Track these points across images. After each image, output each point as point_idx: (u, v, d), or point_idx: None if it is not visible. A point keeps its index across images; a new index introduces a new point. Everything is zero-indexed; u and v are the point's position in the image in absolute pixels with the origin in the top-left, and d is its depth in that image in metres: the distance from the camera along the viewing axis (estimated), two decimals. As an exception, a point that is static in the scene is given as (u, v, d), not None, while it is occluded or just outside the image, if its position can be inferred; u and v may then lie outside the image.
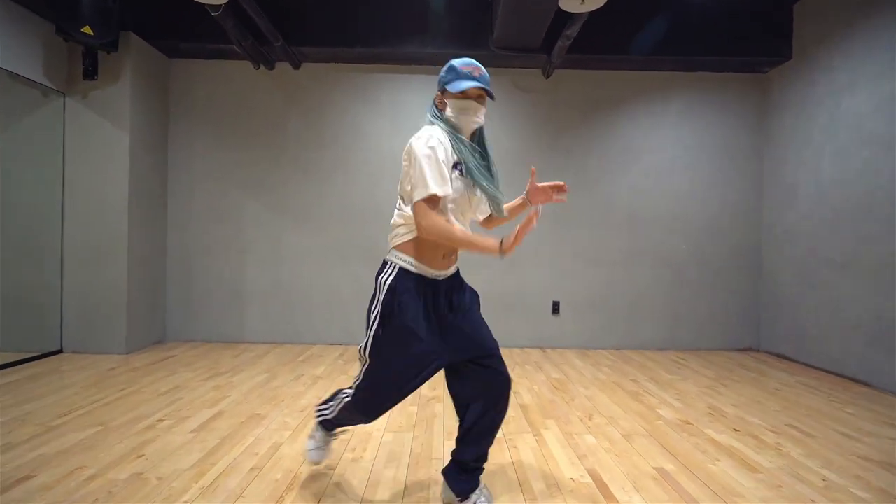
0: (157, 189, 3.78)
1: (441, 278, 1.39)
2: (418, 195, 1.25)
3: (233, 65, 3.86)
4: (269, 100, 3.89)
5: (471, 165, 1.33)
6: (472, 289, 1.52)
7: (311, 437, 1.64)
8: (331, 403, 1.57)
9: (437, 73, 3.88)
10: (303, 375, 2.93)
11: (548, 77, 3.88)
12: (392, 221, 1.40)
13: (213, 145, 3.88)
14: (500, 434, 2.04)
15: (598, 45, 3.59)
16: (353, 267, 3.88)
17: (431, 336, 1.33)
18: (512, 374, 2.96)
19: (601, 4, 2.75)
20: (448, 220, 1.32)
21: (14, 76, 3.04)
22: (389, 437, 2.01)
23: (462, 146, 1.33)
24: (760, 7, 3.60)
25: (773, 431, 2.14)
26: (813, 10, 3.43)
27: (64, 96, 3.38)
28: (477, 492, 1.45)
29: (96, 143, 3.40)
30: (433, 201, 1.25)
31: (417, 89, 3.89)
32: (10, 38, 2.95)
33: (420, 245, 1.34)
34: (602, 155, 3.93)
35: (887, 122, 2.83)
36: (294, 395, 2.55)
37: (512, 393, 2.62)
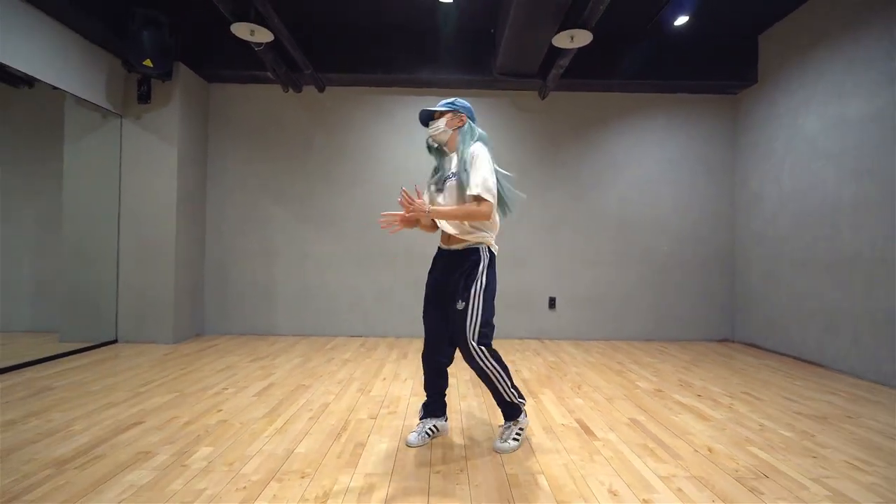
0: (198, 199, 4.26)
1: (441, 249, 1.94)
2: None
3: (264, 88, 4.36)
4: (296, 119, 4.38)
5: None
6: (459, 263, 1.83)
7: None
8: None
9: (447, 95, 4.41)
10: (333, 359, 3.38)
11: (543, 98, 4.38)
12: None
13: (246, 159, 4.37)
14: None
15: (588, 71, 4.10)
16: (372, 270, 4.35)
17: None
18: (513, 358, 3.43)
19: (588, 42, 3.25)
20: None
21: (80, 100, 3.53)
22: (415, 399, 2.46)
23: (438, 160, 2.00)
24: (731, 36, 4.11)
25: (728, 396, 2.60)
26: (775, 39, 3.94)
27: (121, 118, 3.87)
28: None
29: (148, 158, 3.89)
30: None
31: (428, 109, 4.39)
32: (80, 69, 3.45)
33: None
34: (593, 167, 4.42)
35: (833, 139, 3.32)
36: (330, 372, 3.00)
37: (515, 370, 3.09)
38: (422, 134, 4.35)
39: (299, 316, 4.34)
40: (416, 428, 1.95)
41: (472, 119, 1.93)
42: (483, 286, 1.79)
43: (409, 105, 4.39)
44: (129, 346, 3.69)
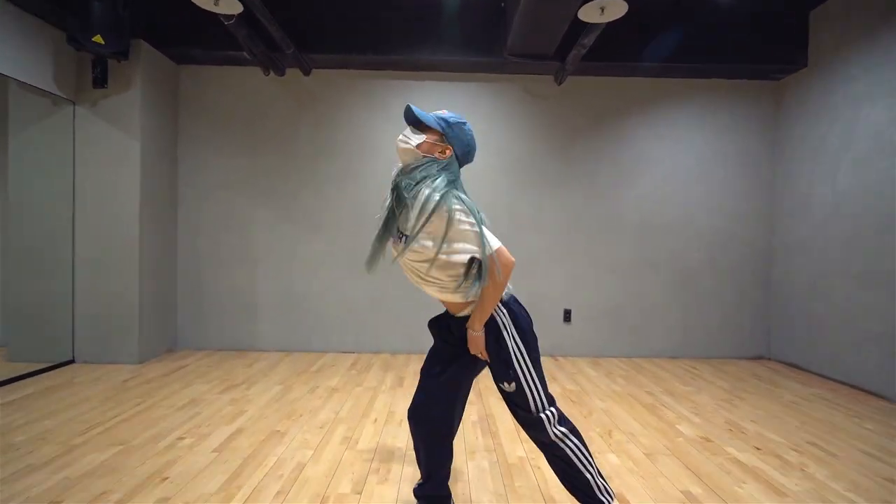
0: (168, 197, 3.76)
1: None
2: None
3: (242, 71, 3.83)
4: (279, 106, 3.86)
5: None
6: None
7: None
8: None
9: (450, 79, 3.89)
10: (318, 387, 2.92)
11: (560, 84, 3.85)
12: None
13: (224, 153, 3.86)
14: (522, 453, 2.04)
15: (613, 52, 3.56)
16: (365, 275, 3.86)
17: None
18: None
19: (621, 14, 2.72)
20: None
21: (24, 85, 3.01)
22: (413, 455, 2.00)
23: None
24: (775, 13, 3.57)
25: (795, 450, 2.14)
26: (831, 17, 3.40)
27: (74, 105, 3.35)
28: None
29: (107, 151, 3.38)
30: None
31: (429, 96, 3.86)
32: (21, 47, 2.92)
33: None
34: (613, 163, 3.91)
35: (907, 133, 2.81)
36: (312, 409, 2.54)
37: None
38: (421, 124, 3.82)
39: (284, 329, 3.87)
40: None
41: (463, 156, 1.40)
42: (520, 347, 1.37)
43: (406, 91, 3.86)
44: (87, 369, 3.23)
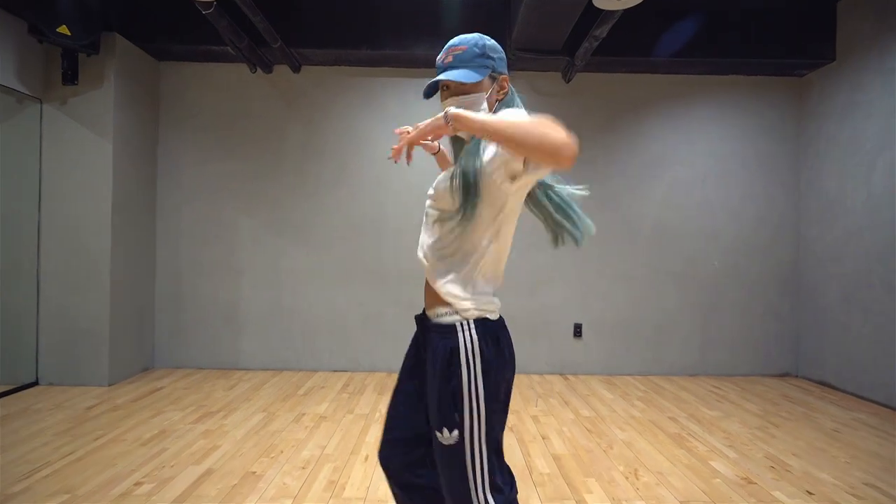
0: (145, 204, 3.47)
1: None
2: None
3: (227, 68, 3.56)
4: (266, 106, 3.59)
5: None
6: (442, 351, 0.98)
7: None
8: None
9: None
10: (304, 415, 2.62)
11: (569, 81, 3.59)
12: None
13: (206, 156, 3.58)
14: (537, 502, 1.75)
15: (626, 46, 3.30)
16: (359, 288, 3.58)
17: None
18: (536, 411, 2.67)
19: (639, 1, 2.45)
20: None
21: (-16, 81, 2.74)
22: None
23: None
24: (799, 5, 3.32)
25: (852, 494, 1.84)
26: (861, 8, 3.14)
27: (41, 103, 3.08)
28: None
29: (76, 153, 3.10)
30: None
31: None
32: (-21, 39, 2.66)
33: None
34: (627, 165, 3.64)
35: (956, 131, 2.54)
36: (295, 443, 2.24)
37: (541, 436, 2.34)
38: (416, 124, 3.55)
39: (270, 346, 3.57)
40: None
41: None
42: (478, 385, 0.94)
43: (402, 89, 3.59)
44: (51, 392, 2.93)
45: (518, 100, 1.06)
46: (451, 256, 1.00)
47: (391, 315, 3.57)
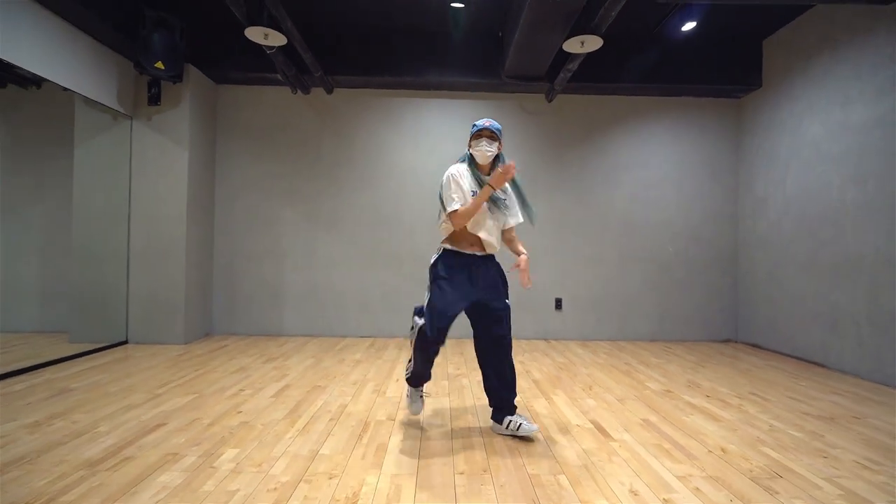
0: (207, 199, 4.28)
1: (470, 255, 2.04)
2: (449, 210, 1.97)
3: (272, 90, 4.38)
4: (304, 121, 4.41)
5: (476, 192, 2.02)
6: (501, 273, 2.13)
7: (407, 396, 2.21)
8: (409, 362, 2.13)
9: (455, 97, 4.46)
10: (345, 359, 3.42)
11: (550, 101, 4.42)
12: (438, 225, 2.12)
13: (255, 161, 4.39)
14: (518, 398, 2.55)
15: (595, 75, 4.14)
16: (380, 271, 4.38)
17: (455, 288, 2.00)
18: (522, 359, 3.48)
19: (597, 47, 3.29)
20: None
21: (90, 101, 3.54)
22: (431, 401, 2.50)
23: (474, 177, 2.03)
24: (735, 41, 4.16)
25: (737, 397, 2.65)
26: (780, 45, 3.99)
27: (131, 119, 3.89)
28: (510, 417, 2.05)
29: (158, 160, 3.91)
30: (454, 214, 1.96)
31: (437, 112, 4.42)
32: (90, 69, 3.45)
33: (454, 235, 2.06)
34: (599, 169, 4.47)
35: (837, 143, 3.37)
36: (343, 373, 3.04)
37: (525, 371, 3.14)
38: (430, 138, 4.38)
39: (308, 316, 4.37)
40: (416, 398, 2.17)
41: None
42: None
43: (417, 108, 4.42)
44: (141, 348, 3.71)
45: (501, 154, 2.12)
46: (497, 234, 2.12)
47: (406, 291, 4.37)
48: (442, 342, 1.96)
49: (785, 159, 3.88)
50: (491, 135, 2.00)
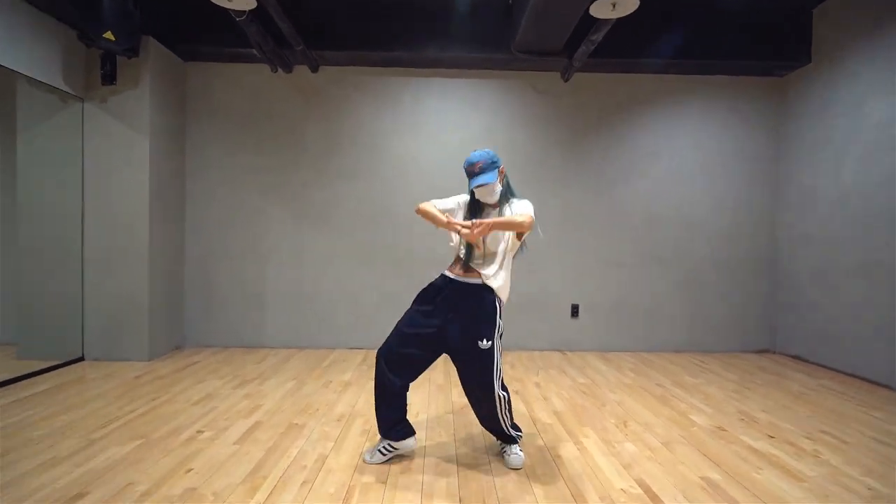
0: (175, 194, 3.76)
1: (453, 279, 1.84)
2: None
3: (249, 68, 3.83)
4: (286, 103, 3.87)
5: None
6: (490, 308, 1.79)
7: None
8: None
9: (457, 76, 3.91)
10: (332, 381, 2.93)
11: (567, 80, 3.88)
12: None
13: (231, 149, 3.86)
14: (541, 442, 2.07)
15: (619, 48, 3.60)
16: (375, 271, 3.88)
17: (423, 313, 1.84)
18: (537, 380, 2.99)
19: (633, 10, 2.75)
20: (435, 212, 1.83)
21: (33, 82, 3.00)
22: (431, 446, 2.02)
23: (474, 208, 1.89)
24: (779, 11, 3.61)
25: (807, 438, 2.17)
26: (834, 15, 3.44)
27: (83, 101, 3.35)
28: (500, 442, 1.93)
29: (115, 147, 3.37)
30: (421, 205, 1.84)
31: (437, 93, 3.88)
32: (31, 43, 2.91)
33: (454, 259, 1.91)
34: (619, 158, 3.94)
35: (911, 128, 2.85)
36: (327, 402, 2.55)
37: (543, 397, 2.66)
38: (429, 122, 3.84)
39: (293, 325, 3.88)
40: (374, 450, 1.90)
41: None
42: (500, 331, 1.81)
43: (415, 88, 3.88)
44: (97, 366, 3.22)
45: (511, 184, 1.96)
46: None
47: (406, 296, 3.86)
48: (393, 371, 1.79)
49: (840, 146, 3.36)
50: (482, 166, 1.76)
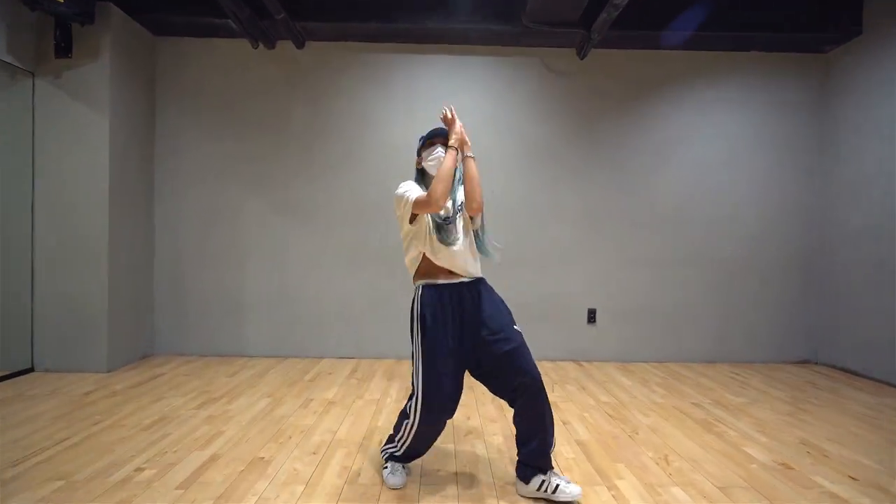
0: (143, 184, 3.34)
1: (454, 284, 1.60)
2: (412, 200, 1.60)
3: (228, 44, 3.42)
4: (269, 84, 3.45)
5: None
6: (492, 293, 1.65)
7: (384, 467, 1.69)
8: (397, 436, 1.65)
9: (462, 52, 3.48)
10: (312, 400, 2.51)
11: (583, 58, 3.45)
12: (406, 262, 1.71)
13: (207, 136, 3.44)
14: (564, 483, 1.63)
15: (644, 19, 3.18)
16: (366, 272, 3.45)
17: (451, 338, 1.57)
18: (553, 398, 2.55)
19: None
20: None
21: (-27, 53, 2.60)
22: (427, 489, 1.59)
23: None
24: (825, -22, 3.19)
25: (893, 476, 1.73)
26: (889, -20, 3.02)
27: (33, 76, 2.94)
28: (542, 477, 1.53)
29: (72, 129, 2.96)
30: (421, 200, 1.57)
31: (438, 72, 3.46)
32: (-34, 5, 2.51)
33: (424, 268, 1.64)
34: (641, 147, 3.52)
35: None
36: (303, 429, 2.13)
37: (561, 422, 2.23)
38: (427, 105, 3.42)
39: (274, 333, 3.45)
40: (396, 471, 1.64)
41: None
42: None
43: (411, 66, 3.46)
44: (46, 379, 2.80)
45: None
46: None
47: (400, 299, 3.44)
48: (449, 415, 1.59)
49: (894, 129, 2.92)
50: (445, 141, 1.60)
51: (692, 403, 2.56)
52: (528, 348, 1.55)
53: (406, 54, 3.45)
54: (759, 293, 3.51)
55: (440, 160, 1.58)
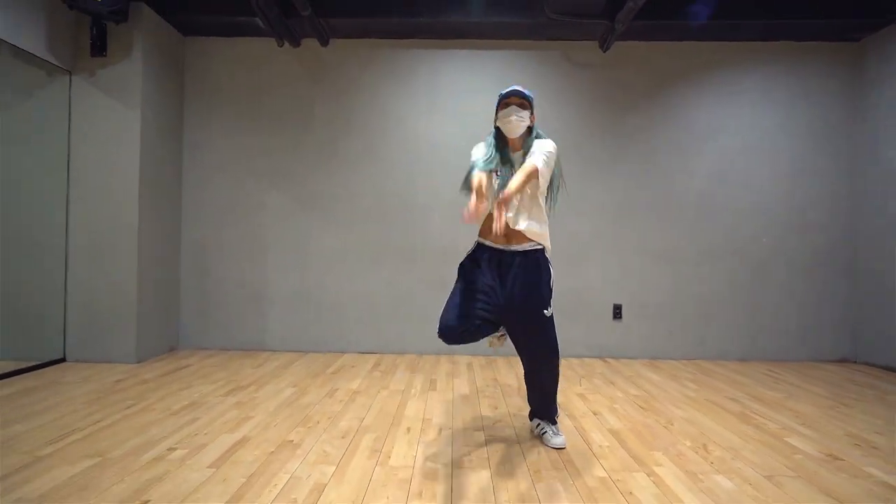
0: (171, 179, 3.41)
1: (499, 249, 1.77)
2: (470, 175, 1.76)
3: (253, 42, 3.49)
4: (294, 81, 3.51)
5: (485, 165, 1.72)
6: (544, 272, 1.80)
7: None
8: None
9: (483, 46, 3.49)
10: (337, 390, 2.50)
11: (606, 50, 3.43)
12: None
13: (233, 132, 3.51)
14: (602, 472, 1.58)
15: (666, 11, 3.14)
16: (388, 268, 3.45)
17: (478, 286, 1.74)
18: (581, 391, 2.50)
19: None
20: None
21: (14, 51, 2.70)
22: (462, 472, 1.56)
23: (501, 154, 1.78)
24: (857, -37, 3.11)
25: (958, 472, 1.63)
26: (927, -37, 2.93)
27: (70, 74, 3.04)
28: (539, 420, 1.87)
29: (105, 126, 3.05)
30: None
31: (460, 66, 3.47)
32: (11, 7, 2.61)
33: (483, 225, 1.82)
34: (668, 138, 3.46)
35: None
36: (331, 414, 2.12)
37: (592, 413, 2.17)
38: (450, 100, 3.43)
39: (297, 327, 3.47)
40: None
41: None
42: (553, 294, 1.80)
43: (434, 61, 3.48)
44: (78, 368, 2.86)
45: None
46: None
47: (422, 295, 3.43)
48: (457, 340, 1.72)
49: (941, 115, 2.81)
50: (521, 101, 1.72)
51: (727, 397, 2.48)
52: (545, 329, 1.74)
53: (428, 49, 3.47)
54: (792, 288, 3.40)
55: (513, 123, 1.71)
